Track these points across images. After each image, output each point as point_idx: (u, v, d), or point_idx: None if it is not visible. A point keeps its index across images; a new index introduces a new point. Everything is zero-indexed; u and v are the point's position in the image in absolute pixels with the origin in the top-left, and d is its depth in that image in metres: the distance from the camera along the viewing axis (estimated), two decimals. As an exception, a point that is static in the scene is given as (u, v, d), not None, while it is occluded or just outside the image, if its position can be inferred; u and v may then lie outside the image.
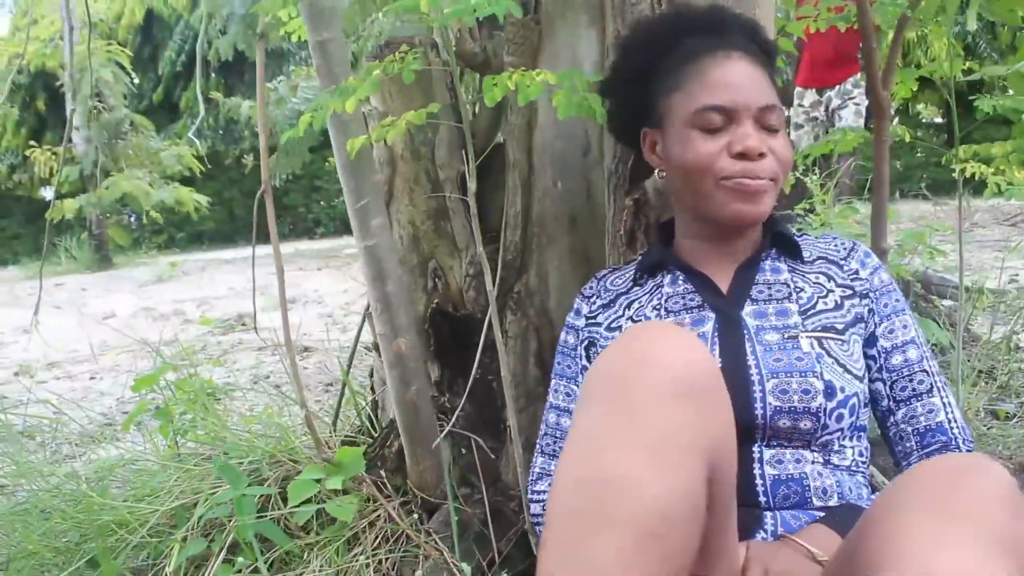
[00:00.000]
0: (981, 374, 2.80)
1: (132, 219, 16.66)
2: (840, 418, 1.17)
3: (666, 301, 1.30)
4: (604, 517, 0.78)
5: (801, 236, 1.41)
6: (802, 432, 1.15)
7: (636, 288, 1.37)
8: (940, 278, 3.46)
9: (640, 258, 1.43)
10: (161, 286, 7.22)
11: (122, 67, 10.43)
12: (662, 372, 0.85)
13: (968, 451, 1.23)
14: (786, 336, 1.21)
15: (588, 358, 1.37)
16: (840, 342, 1.22)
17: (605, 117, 1.50)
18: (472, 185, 1.61)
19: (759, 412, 1.14)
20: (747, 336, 1.21)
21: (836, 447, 1.19)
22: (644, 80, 1.34)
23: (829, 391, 1.15)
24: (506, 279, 1.85)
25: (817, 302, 1.26)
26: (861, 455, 1.24)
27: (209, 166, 13.37)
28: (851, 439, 1.22)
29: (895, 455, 1.30)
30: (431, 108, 1.59)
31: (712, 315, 1.25)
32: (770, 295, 1.27)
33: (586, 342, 1.37)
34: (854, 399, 1.18)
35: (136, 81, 16.13)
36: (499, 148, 1.91)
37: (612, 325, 1.33)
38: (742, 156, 1.21)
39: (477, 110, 1.99)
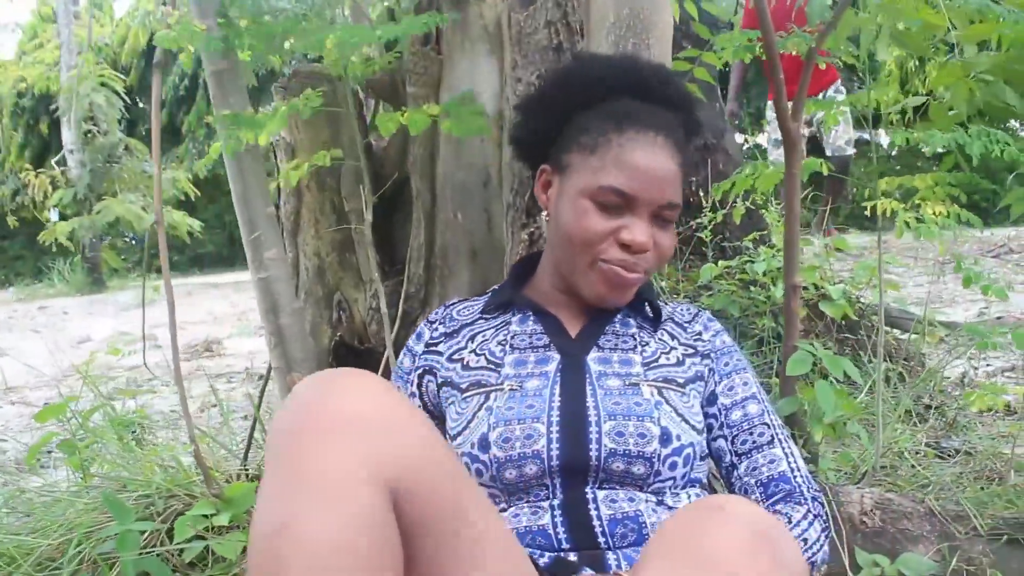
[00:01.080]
0: (930, 409, 2.75)
1: (132, 241, 16.71)
2: (674, 466, 1.15)
3: (512, 338, 1.27)
4: (280, 567, 0.76)
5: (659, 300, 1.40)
6: (635, 476, 1.13)
7: (481, 320, 1.34)
8: (900, 311, 3.41)
9: (492, 292, 1.40)
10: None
11: (116, 92, 10.47)
12: (325, 414, 0.84)
13: (813, 499, 1.20)
14: (627, 383, 1.19)
15: (420, 385, 1.33)
16: (680, 394, 1.21)
17: (513, 131, 1.43)
18: (368, 216, 1.59)
19: (593, 453, 1.11)
20: (589, 379, 1.19)
21: (668, 495, 1.17)
22: (564, 118, 1.29)
23: (665, 437, 1.13)
24: (409, 312, 1.82)
25: (660, 356, 1.26)
26: (698, 497, 1.21)
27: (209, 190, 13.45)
28: (684, 489, 1.19)
29: None
30: (334, 153, 1.61)
31: (557, 356, 1.23)
32: (616, 345, 1.27)
33: (421, 370, 1.32)
34: (689, 449, 1.16)
35: (140, 105, 16.26)
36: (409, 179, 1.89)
37: (453, 356, 1.30)
38: (627, 247, 1.19)
39: (387, 141, 1.96)
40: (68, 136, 10.65)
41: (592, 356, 1.23)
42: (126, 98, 10.97)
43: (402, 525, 0.84)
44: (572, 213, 1.21)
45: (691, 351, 1.29)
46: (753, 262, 2.76)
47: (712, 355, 1.30)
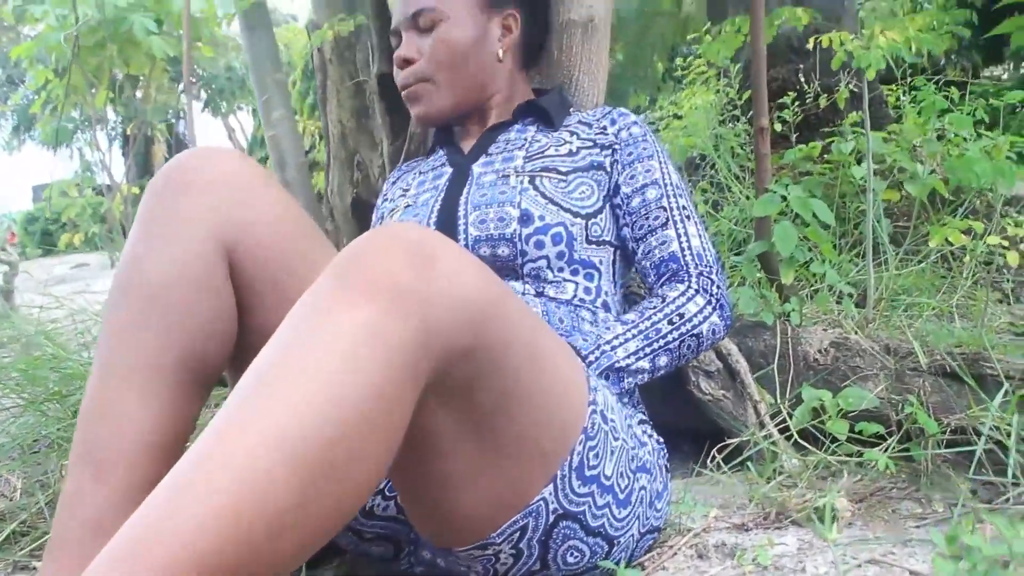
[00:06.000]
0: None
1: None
2: (540, 245, 1.21)
3: (425, 168, 1.45)
4: (127, 290, 0.95)
5: (574, 109, 1.51)
6: (503, 259, 1.22)
7: (418, 164, 1.52)
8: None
9: None
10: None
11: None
12: (186, 177, 0.99)
13: (699, 275, 1.25)
14: (499, 176, 1.29)
15: None
16: (558, 180, 1.28)
17: None
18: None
19: (462, 242, 1.22)
20: (469, 182, 1.31)
21: (550, 278, 1.23)
22: None
23: (525, 218, 1.21)
24: (409, 169, 2.01)
25: (548, 149, 1.34)
26: (590, 294, 1.26)
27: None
28: (569, 273, 1.25)
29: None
30: (359, 20, 1.82)
31: (450, 169, 1.37)
32: (505, 148, 1.37)
33: (381, 214, 1.50)
34: (558, 228, 1.22)
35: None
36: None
37: (388, 198, 1.48)
38: (398, 65, 1.39)
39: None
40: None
41: (478, 163, 1.35)
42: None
43: (237, 279, 1.00)
44: None
45: (590, 144, 1.36)
46: (839, 142, 2.67)
47: (616, 146, 1.36)
